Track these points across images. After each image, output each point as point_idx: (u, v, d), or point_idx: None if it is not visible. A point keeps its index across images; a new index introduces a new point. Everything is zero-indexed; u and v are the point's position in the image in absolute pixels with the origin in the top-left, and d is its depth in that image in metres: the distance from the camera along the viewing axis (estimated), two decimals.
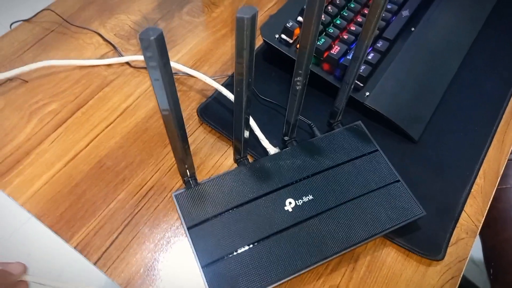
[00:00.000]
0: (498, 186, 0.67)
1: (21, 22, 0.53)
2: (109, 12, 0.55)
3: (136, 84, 0.48)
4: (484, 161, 0.44)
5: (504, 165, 0.44)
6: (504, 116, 0.47)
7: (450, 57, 0.51)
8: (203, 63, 0.51)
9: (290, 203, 0.37)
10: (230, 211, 0.37)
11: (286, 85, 0.49)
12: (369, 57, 0.46)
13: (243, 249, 0.35)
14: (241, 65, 0.29)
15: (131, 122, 0.46)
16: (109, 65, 0.50)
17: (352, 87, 0.40)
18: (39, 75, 0.49)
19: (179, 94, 0.48)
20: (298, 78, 0.35)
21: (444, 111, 0.47)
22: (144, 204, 0.40)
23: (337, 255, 0.35)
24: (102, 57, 0.50)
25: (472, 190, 0.42)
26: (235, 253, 0.35)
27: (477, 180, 0.42)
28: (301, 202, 0.37)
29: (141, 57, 0.49)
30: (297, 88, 0.35)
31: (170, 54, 0.51)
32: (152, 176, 0.42)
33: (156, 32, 0.24)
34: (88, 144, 0.44)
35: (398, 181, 0.39)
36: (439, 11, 0.53)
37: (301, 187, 0.38)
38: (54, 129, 0.45)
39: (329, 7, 0.48)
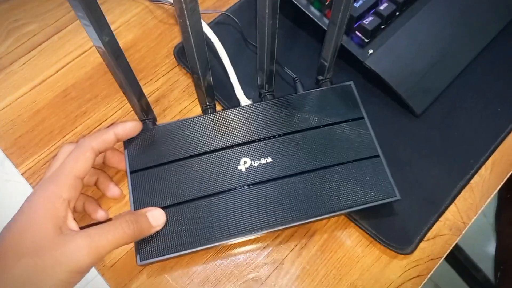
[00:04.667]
0: None
1: None
2: None
3: (120, 13, 0.45)
4: (497, 149, 0.36)
5: None
6: None
7: (490, 20, 0.42)
8: None
9: (245, 162, 0.33)
10: (179, 161, 0.33)
11: (284, 31, 0.43)
12: (381, 7, 0.38)
13: (183, 204, 0.32)
14: None
15: None
16: None
17: (342, 32, 0.33)
18: None
19: (164, 26, 0.44)
20: (263, 18, 0.29)
21: (463, 85, 0.39)
22: None
23: (286, 226, 0.31)
24: None
25: (472, 181, 0.35)
26: (172, 208, 0.31)
27: (481, 170, 0.35)
28: (258, 164, 0.33)
29: None
30: (264, 32, 0.30)
31: None
32: (114, 113, 0.39)
33: None
34: (57, 71, 0.41)
35: (378, 156, 0.33)
36: None
37: (262, 147, 0.33)
38: (28, 51, 0.42)
39: None
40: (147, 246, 0.30)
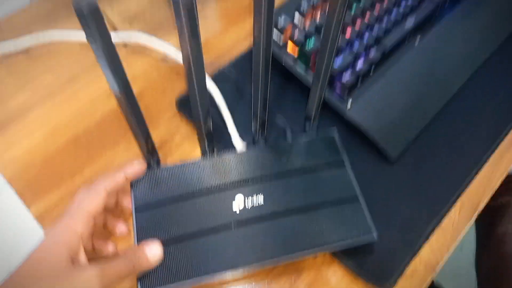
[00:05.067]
0: (506, 230, 0.62)
1: None
2: None
3: (127, 66, 0.49)
4: (464, 193, 0.40)
5: (486, 202, 0.40)
6: (498, 148, 0.43)
7: (454, 76, 0.47)
8: None
9: (239, 201, 0.36)
10: (180, 200, 0.37)
11: (275, 85, 0.48)
12: (357, 67, 0.44)
13: (182, 240, 0.35)
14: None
15: (114, 102, 0.47)
16: None
17: (325, 87, 0.38)
18: (44, 47, 0.51)
19: (168, 80, 0.49)
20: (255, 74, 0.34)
21: (432, 134, 0.44)
22: None
23: (275, 260, 0.34)
24: None
25: (443, 222, 0.39)
26: (173, 242, 0.35)
27: (451, 212, 0.39)
28: (250, 203, 0.36)
29: (135, 36, 0.50)
30: (258, 85, 0.35)
31: (170, 39, 0.52)
32: (120, 159, 0.43)
33: (90, 1, 0.24)
34: (69, 119, 0.46)
35: (357, 198, 0.37)
36: (450, 26, 0.49)
37: (254, 187, 0.37)
38: (43, 100, 0.47)
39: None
40: (148, 278, 0.33)
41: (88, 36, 0.26)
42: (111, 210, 0.38)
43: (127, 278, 0.31)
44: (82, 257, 0.30)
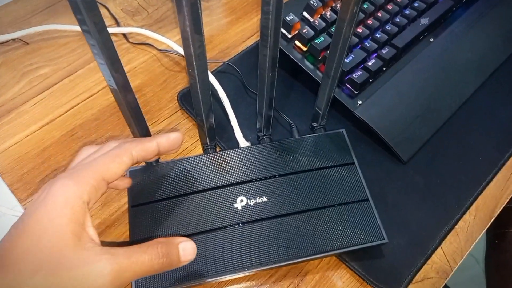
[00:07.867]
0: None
1: None
2: None
3: (128, 60, 0.48)
4: (480, 196, 0.38)
5: (503, 206, 0.38)
6: None
7: (468, 77, 0.46)
8: None
9: (241, 200, 0.34)
10: (179, 197, 0.35)
11: (281, 81, 0.46)
12: (369, 63, 0.42)
13: None
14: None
15: (112, 96, 0.45)
16: None
17: (335, 85, 0.36)
18: (41, 39, 0.50)
19: (170, 73, 0.47)
20: (263, 69, 0.32)
21: (446, 135, 0.42)
22: None
23: (278, 265, 0.32)
24: None
25: (457, 226, 0.37)
26: None
27: (466, 216, 0.37)
28: (253, 202, 0.34)
29: (137, 30, 0.49)
30: (263, 81, 0.33)
31: (170, 34, 0.50)
32: None
33: None
34: (66, 112, 0.44)
35: (367, 200, 0.35)
36: (467, 25, 0.48)
37: (258, 186, 0.35)
38: (39, 92, 0.45)
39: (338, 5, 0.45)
40: (144, 280, 0.31)
41: (83, 28, 0.24)
42: None
43: (146, 275, 0.25)
44: (90, 230, 0.24)
